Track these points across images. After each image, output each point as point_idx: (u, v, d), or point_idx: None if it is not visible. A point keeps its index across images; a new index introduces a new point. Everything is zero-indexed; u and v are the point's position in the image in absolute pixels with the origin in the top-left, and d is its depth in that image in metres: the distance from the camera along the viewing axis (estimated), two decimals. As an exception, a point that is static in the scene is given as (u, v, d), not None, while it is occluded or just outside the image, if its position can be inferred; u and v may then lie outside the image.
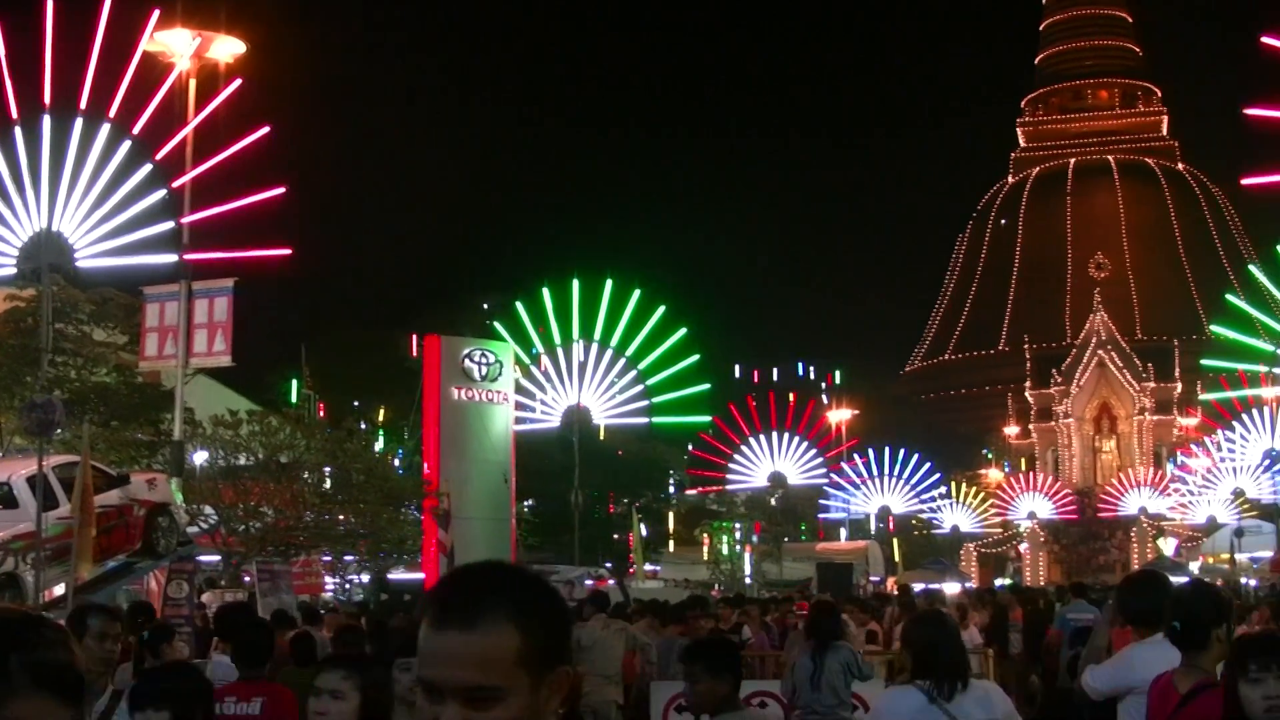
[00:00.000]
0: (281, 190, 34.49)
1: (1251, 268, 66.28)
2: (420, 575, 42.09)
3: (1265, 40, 20.56)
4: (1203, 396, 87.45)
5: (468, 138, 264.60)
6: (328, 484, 38.62)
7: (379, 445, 57.44)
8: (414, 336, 62.34)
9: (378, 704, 6.65)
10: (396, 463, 55.60)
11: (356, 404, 62.91)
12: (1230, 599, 14.44)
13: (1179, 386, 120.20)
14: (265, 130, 34.39)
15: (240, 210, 34.47)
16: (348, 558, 44.60)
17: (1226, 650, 6.90)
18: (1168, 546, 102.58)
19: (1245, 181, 25.21)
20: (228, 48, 35.47)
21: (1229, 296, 61.74)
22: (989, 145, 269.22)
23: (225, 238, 35.19)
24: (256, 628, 10.73)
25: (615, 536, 71.49)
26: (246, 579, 31.85)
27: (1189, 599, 8.12)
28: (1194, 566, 79.31)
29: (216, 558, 33.35)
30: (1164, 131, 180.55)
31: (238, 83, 34.72)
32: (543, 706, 2.95)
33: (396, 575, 48.04)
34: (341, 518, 38.29)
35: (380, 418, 63.96)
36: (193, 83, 34.62)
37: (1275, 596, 47.29)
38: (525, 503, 59.54)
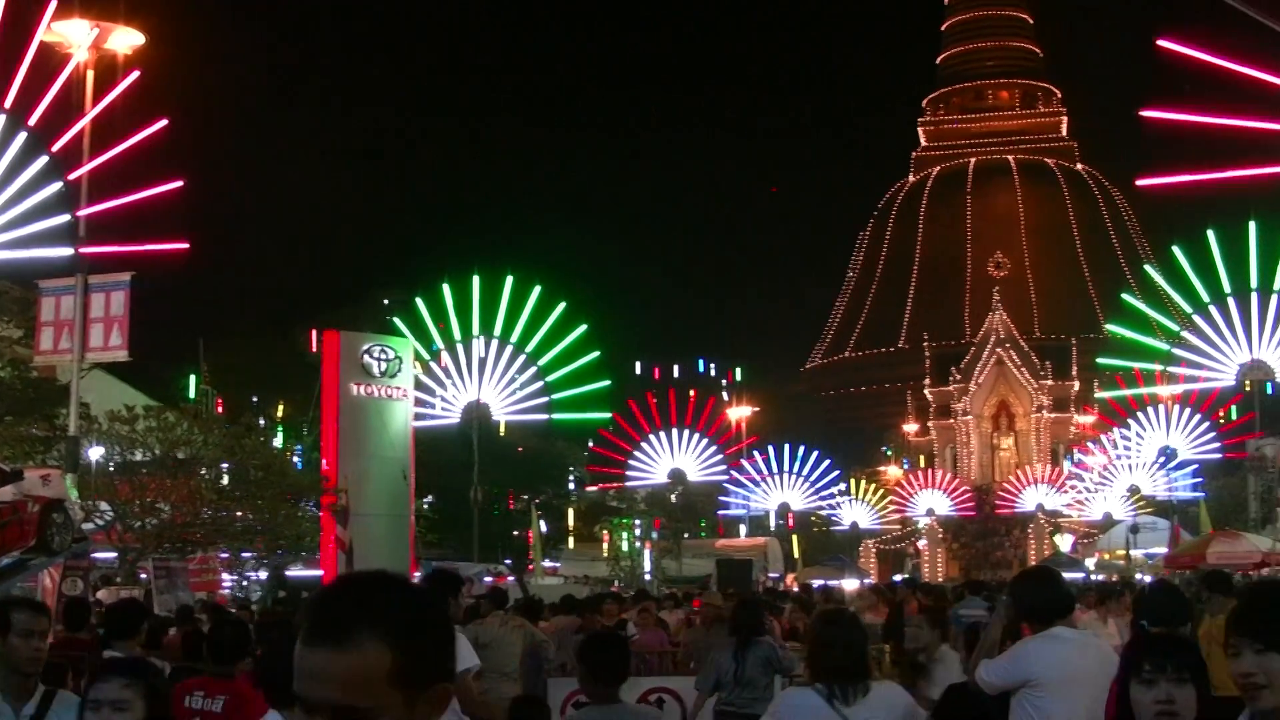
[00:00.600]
0: (179, 184, 34.16)
1: (1148, 268, 67.11)
2: (318, 572, 41.86)
3: (1161, 44, 20.85)
4: (1099, 394, 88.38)
5: (370, 132, 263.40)
6: (225, 480, 38.42)
7: (278, 441, 57.17)
8: (313, 332, 62.07)
9: (164, 712, 6.27)
10: (295, 459, 55.40)
11: (255, 400, 62.62)
12: (1194, 599, 14.59)
13: (1076, 384, 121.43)
14: (163, 123, 34.05)
15: (138, 204, 34.09)
16: (245, 554, 44.40)
17: None
18: (1064, 543, 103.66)
19: (1141, 183, 25.54)
20: (126, 39, 34.96)
21: (1125, 296, 62.37)
22: (891, 144, 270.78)
23: (123, 231, 34.80)
24: (231, 625, 10.64)
25: (515, 533, 71.49)
26: (143, 576, 31.62)
27: (1155, 598, 8.21)
28: (1090, 562, 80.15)
29: (112, 554, 33.12)
30: (1063, 132, 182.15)
31: (135, 75, 34.32)
32: None
33: (294, 572, 47.79)
34: (239, 514, 38.14)
35: (279, 413, 63.61)
36: (90, 74, 34.18)
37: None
38: (425, 499, 59.34)
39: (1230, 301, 53.60)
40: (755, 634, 15.00)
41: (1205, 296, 54.40)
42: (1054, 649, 8.50)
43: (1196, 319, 54.72)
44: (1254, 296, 53.02)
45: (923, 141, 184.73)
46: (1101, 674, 8.28)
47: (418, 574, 44.32)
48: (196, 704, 8.64)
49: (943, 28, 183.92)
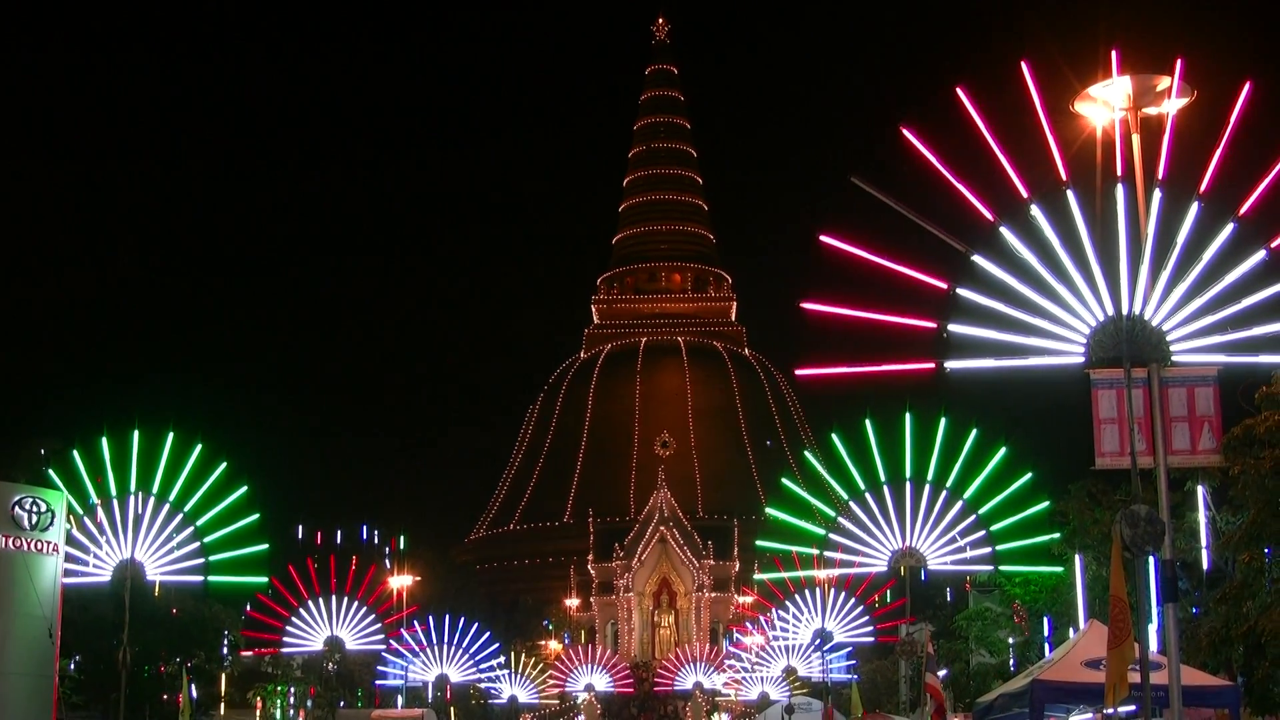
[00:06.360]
0: None
1: (808, 453, 68.39)
2: (-47, 734, 40.12)
3: (823, 239, 21.55)
4: (758, 576, 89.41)
5: (33, 276, 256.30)
6: None
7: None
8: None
9: None
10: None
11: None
12: None
13: (737, 565, 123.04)
14: None
15: None
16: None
17: None
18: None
19: (799, 373, 26.15)
20: None
21: (785, 480, 63.38)
22: (565, 320, 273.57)
23: None
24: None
25: (165, 697, 69.40)
26: None
27: None
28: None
29: None
30: (732, 317, 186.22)
31: None
32: None
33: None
34: None
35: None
36: None
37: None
38: (71, 660, 57.46)
39: (885, 490, 54.75)
40: None
41: (862, 484, 55.50)
42: None
43: (853, 506, 55.76)
44: (908, 486, 54.22)
45: (595, 319, 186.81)
46: None
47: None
48: None
49: (620, 209, 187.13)
